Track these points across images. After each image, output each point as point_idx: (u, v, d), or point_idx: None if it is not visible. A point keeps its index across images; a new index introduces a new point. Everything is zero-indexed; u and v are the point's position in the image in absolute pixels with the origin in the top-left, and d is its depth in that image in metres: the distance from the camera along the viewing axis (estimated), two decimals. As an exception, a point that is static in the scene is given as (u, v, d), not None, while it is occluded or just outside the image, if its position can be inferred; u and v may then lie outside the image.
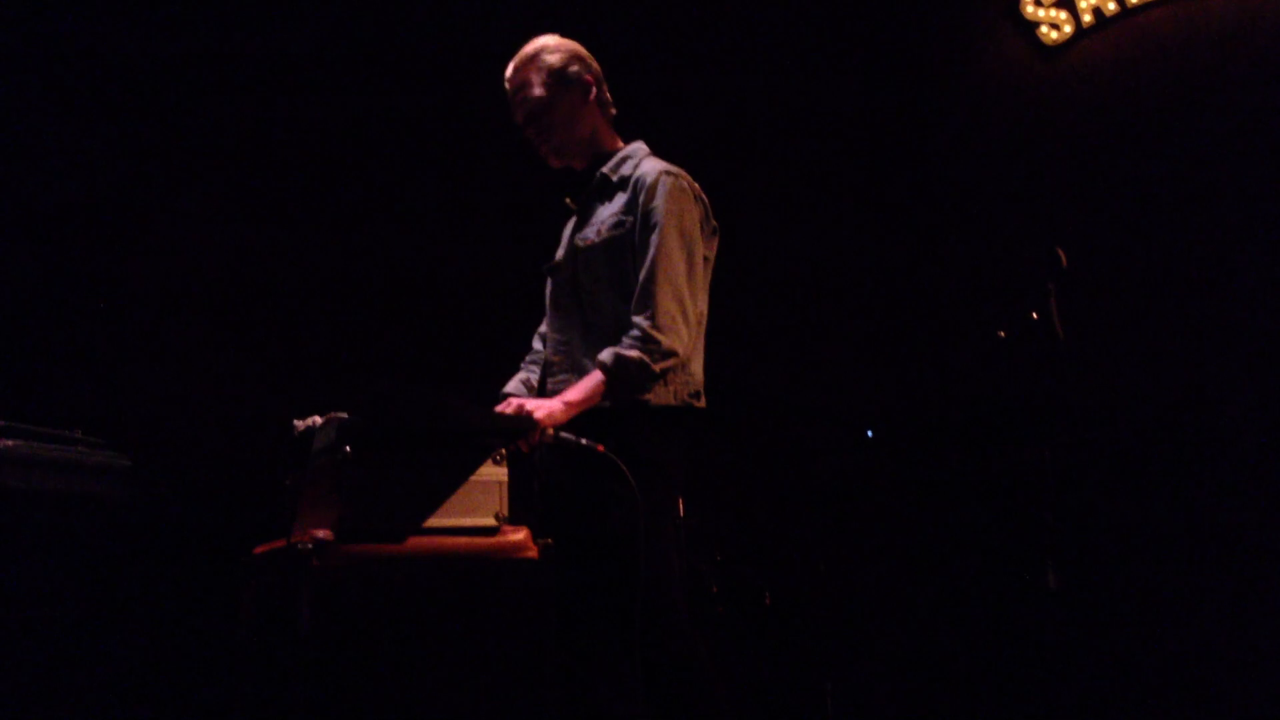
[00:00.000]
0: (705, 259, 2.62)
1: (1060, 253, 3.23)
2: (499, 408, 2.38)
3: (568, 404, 2.38)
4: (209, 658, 3.46)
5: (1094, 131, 4.45)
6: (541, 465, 2.56)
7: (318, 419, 2.26)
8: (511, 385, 2.76)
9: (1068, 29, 4.59)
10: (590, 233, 2.61)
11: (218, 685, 3.43)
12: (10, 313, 4.04)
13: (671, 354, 2.42)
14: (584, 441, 2.28)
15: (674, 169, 2.59)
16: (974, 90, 4.76)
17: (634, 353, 2.39)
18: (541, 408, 2.34)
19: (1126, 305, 4.20)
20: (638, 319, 2.43)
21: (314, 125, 4.64)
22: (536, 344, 2.84)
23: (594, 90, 2.69)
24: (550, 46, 2.70)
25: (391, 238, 4.59)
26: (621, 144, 2.74)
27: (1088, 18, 4.55)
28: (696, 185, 2.62)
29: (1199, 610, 3.82)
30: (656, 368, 2.40)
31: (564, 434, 2.30)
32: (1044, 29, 4.63)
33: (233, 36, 4.57)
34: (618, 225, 2.56)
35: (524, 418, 2.28)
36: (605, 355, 2.41)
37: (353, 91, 4.67)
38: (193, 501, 3.86)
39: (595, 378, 2.41)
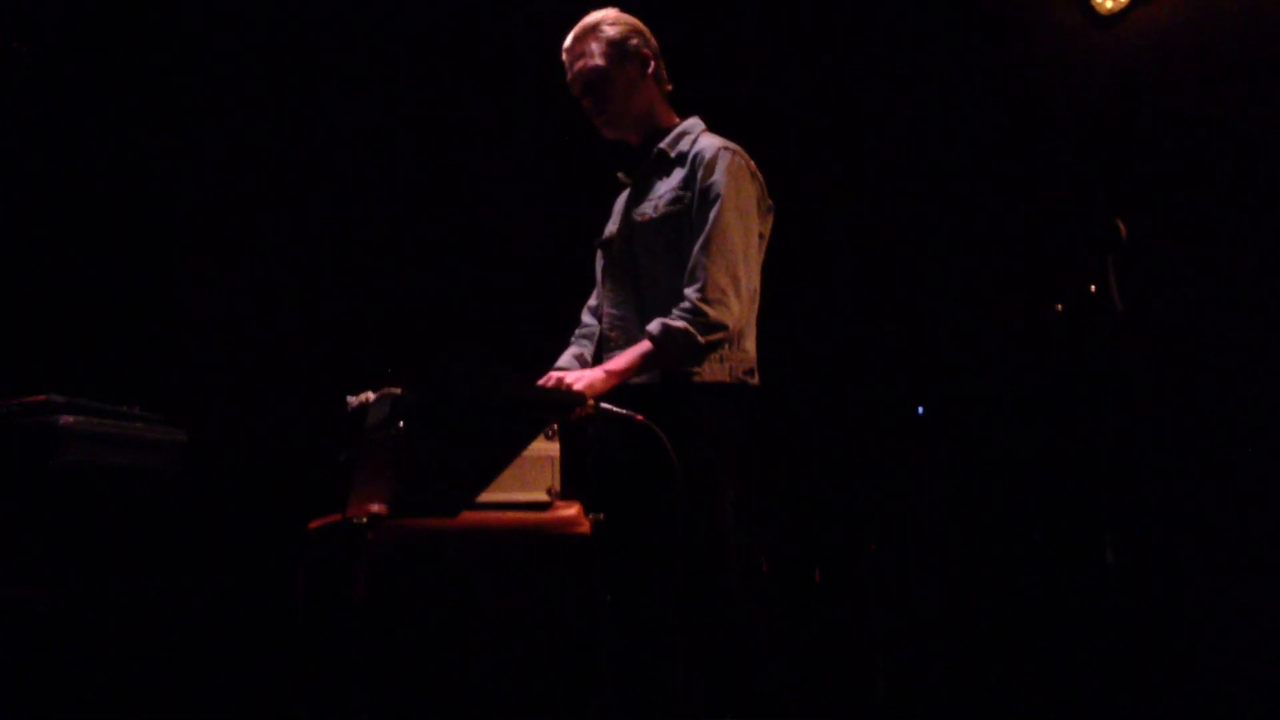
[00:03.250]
0: (760, 236, 2.60)
1: (1119, 224, 3.17)
2: (539, 382, 2.38)
3: (609, 373, 2.37)
4: (266, 630, 3.51)
5: (1151, 101, 4.36)
6: (596, 440, 2.55)
7: (371, 395, 2.27)
8: (564, 360, 2.76)
9: (1124, -3, 4.50)
10: (648, 208, 2.60)
11: (274, 657, 3.48)
12: (68, 291, 4.10)
13: (719, 327, 2.40)
14: (623, 411, 2.27)
15: (732, 145, 2.59)
16: (1027, 59, 4.68)
17: (680, 323, 2.38)
18: (582, 379, 2.33)
19: (1187, 277, 4.12)
20: (688, 291, 2.43)
21: (365, 103, 4.65)
22: (586, 318, 2.84)
23: (652, 64, 2.69)
24: (610, 19, 2.70)
25: (441, 213, 4.60)
26: (677, 119, 2.73)
27: (1145, -16, 4.45)
28: (753, 162, 2.61)
29: (1261, 588, 3.76)
30: (703, 339, 2.38)
31: (604, 404, 2.30)
32: (1100, -3, 4.54)
33: (289, 12, 4.60)
34: (676, 200, 2.55)
35: (570, 391, 2.28)
36: (653, 325, 2.41)
37: (399, 70, 4.68)
38: (249, 476, 3.91)
39: (641, 347, 2.41)
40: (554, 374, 2.39)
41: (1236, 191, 4.12)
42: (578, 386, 2.30)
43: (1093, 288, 3.12)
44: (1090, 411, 3.41)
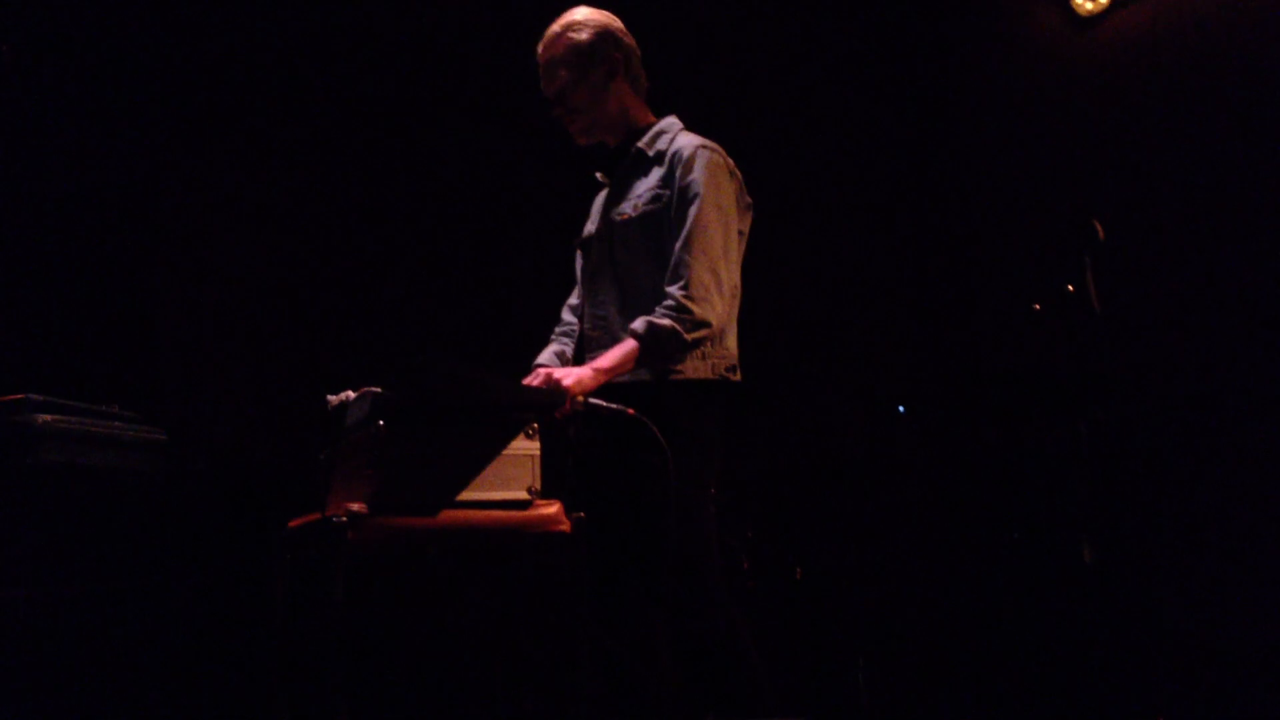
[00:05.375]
0: (740, 233, 2.61)
1: (1096, 225, 3.20)
2: (528, 378, 2.38)
3: (597, 370, 2.38)
4: (245, 630, 3.50)
5: (1130, 103, 4.39)
6: (577, 440, 2.56)
7: (351, 393, 2.27)
8: (544, 357, 2.76)
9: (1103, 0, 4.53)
10: (627, 207, 2.60)
11: (254, 658, 3.46)
12: (48, 290, 4.08)
13: (704, 324, 2.41)
14: (614, 406, 2.28)
15: (710, 143, 2.59)
16: (1008, 61, 4.71)
17: (666, 321, 2.39)
18: (570, 375, 2.33)
19: (1163, 278, 4.15)
20: (671, 289, 2.43)
21: (341, 103, 4.64)
22: (566, 315, 2.84)
23: (623, 66, 2.66)
24: (578, 22, 2.66)
25: (421, 212, 4.60)
26: (654, 118, 2.72)
27: (1124, -13, 4.48)
28: (731, 160, 2.61)
29: (1236, 587, 3.79)
30: (689, 337, 2.39)
31: (593, 400, 2.30)
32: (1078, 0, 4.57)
33: (272, 15, 4.58)
34: (654, 199, 2.56)
35: (555, 388, 2.29)
36: (638, 324, 2.41)
37: (376, 71, 4.68)
38: (228, 475, 3.90)
39: (627, 345, 2.41)
40: (541, 369, 2.39)
41: (1213, 192, 4.15)
42: (566, 382, 2.30)
43: (1070, 288, 3.14)
44: (1068, 411, 3.43)
